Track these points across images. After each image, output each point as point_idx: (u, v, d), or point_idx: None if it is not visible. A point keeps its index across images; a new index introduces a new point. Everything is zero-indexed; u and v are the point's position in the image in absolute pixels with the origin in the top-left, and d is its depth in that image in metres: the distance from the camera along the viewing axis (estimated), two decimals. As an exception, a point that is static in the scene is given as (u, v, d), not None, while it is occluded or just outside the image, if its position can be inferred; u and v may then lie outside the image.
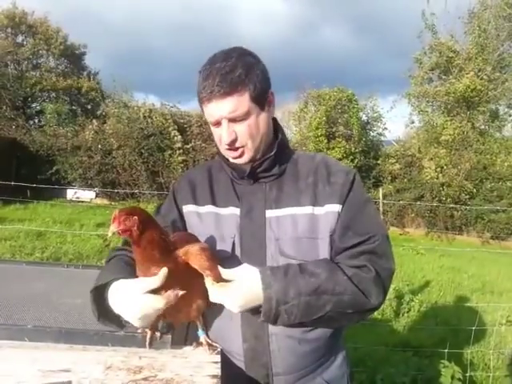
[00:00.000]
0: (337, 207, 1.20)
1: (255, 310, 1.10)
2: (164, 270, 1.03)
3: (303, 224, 1.20)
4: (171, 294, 1.04)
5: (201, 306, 1.13)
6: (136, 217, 1.01)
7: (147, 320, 1.05)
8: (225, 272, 1.09)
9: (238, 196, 1.27)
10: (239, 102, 1.17)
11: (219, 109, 1.17)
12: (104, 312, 1.10)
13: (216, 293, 1.08)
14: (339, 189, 1.22)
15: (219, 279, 1.08)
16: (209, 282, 1.08)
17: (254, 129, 1.21)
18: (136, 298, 1.02)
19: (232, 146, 1.20)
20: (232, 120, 1.18)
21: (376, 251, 1.17)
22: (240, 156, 1.23)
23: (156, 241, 1.04)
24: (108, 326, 1.14)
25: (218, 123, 1.20)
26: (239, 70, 1.17)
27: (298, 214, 1.21)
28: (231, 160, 1.26)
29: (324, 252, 1.19)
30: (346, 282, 1.11)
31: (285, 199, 1.23)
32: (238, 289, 1.07)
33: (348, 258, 1.17)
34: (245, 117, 1.19)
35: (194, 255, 1.07)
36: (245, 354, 1.21)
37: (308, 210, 1.21)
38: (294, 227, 1.20)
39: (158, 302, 1.03)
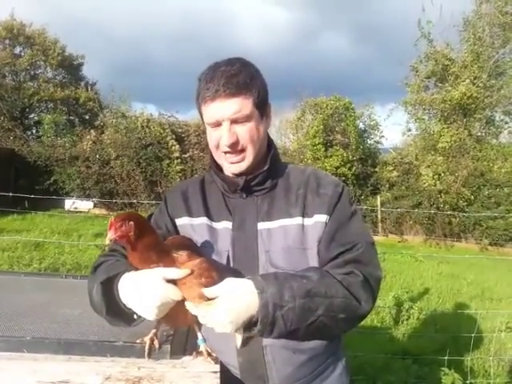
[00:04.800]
0: (324, 217, 1.21)
1: (247, 327, 1.06)
2: (187, 270, 1.06)
3: (293, 235, 1.20)
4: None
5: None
6: (132, 222, 1.03)
7: (163, 310, 1.05)
8: (207, 290, 1.05)
9: (230, 210, 1.27)
10: (243, 104, 1.18)
11: (223, 109, 1.17)
12: (112, 306, 1.10)
13: (202, 313, 1.04)
14: (328, 200, 1.23)
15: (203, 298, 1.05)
16: (190, 305, 1.05)
17: (254, 133, 1.22)
18: (157, 284, 1.03)
19: (233, 148, 1.20)
20: (234, 122, 1.18)
21: (361, 259, 1.17)
22: (241, 160, 1.22)
23: (152, 243, 1.07)
24: (114, 322, 1.14)
25: (218, 124, 1.19)
26: (244, 75, 1.19)
27: (288, 225, 1.21)
28: (227, 167, 1.25)
29: (313, 262, 1.20)
30: (337, 285, 1.11)
31: (276, 212, 1.23)
32: (225, 302, 1.03)
33: (334, 267, 1.17)
34: (247, 119, 1.20)
35: (182, 283, 1.07)
36: (240, 366, 1.21)
37: (298, 220, 1.21)
38: (285, 238, 1.20)
39: (178, 293, 1.05)
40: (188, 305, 1.05)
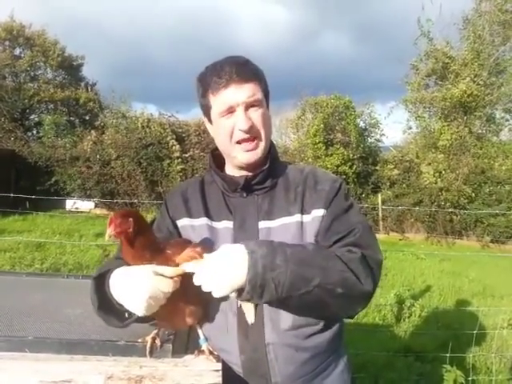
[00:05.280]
0: (321, 212, 1.21)
1: (241, 291, 1.04)
2: (181, 269, 1.06)
3: (293, 233, 1.20)
4: (178, 281, 1.06)
5: (194, 310, 1.13)
6: (131, 219, 1.04)
7: (154, 304, 1.03)
8: (204, 256, 1.06)
9: (230, 209, 1.27)
10: (256, 89, 1.21)
11: (238, 93, 1.18)
12: (104, 302, 1.10)
13: (195, 270, 1.04)
14: (325, 195, 1.23)
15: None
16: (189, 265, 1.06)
17: (266, 119, 1.24)
18: (146, 278, 1.02)
19: (249, 133, 1.20)
20: (247, 107, 1.20)
21: (359, 243, 1.16)
22: (255, 148, 1.23)
23: (148, 242, 1.08)
24: (107, 320, 1.13)
25: (231, 111, 1.20)
26: (252, 64, 1.24)
27: (288, 223, 1.21)
28: (242, 157, 1.24)
29: None
30: (335, 259, 1.10)
31: (276, 211, 1.24)
32: (215, 260, 1.03)
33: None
34: (259, 105, 1.22)
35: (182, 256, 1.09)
36: (243, 365, 1.21)
37: (297, 218, 1.21)
38: (285, 237, 1.19)
39: (167, 285, 1.03)
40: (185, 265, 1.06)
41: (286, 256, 1.04)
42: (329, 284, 1.06)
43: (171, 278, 1.05)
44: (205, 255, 1.06)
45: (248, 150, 1.23)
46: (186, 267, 1.05)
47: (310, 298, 1.06)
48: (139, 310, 1.03)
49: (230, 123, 1.21)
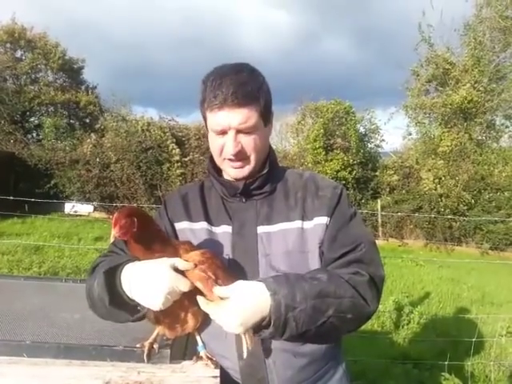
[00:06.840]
0: (325, 219, 1.22)
1: (257, 329, 1.06)
2: (192, 263, 1.06)
3: (293, 238, 1.21)
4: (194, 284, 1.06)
5: (196, 314, 1.13)
6: (135, 218, 1.04)
7: (170, 298, 1.04)
8: (219, 290, 1.05)
9: (230, 214, 1.28)
10: (250, 115, 1.18)
11: (230, 118, 1.17)
12: (115, 297, 1.09)
13: (212, 313, 1.05)
14: (327, 202, 1.24)
15: (212, 296, 1.05)
16: (202, 301, 1.05)
17: (258, 143, 1.23)
18: (166, 272, 1.03)
19: (237, 157, 1.20)
20: (239, 131, 1.19)
21: (363, 259, 1.18)
22: (244, 166, 1.23)
23: (155, 235, 1.09)
24: (115, 313, 1.11)
25: (223, 132, 1.20)
26: (252, 85, 1.19)
27: (288, 228, 1.22)
28: (229, 172, 1.26)
29: (314, 265, 1.20)
30: (345, 285, 1.11)
31: (275, 216, 1.24)
32: (236, 305, 1.03)
33: (338, 267, 1.18)
34: (252, 130, 1.20)
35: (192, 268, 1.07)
36: (241, 370, 1.21)
37: (297, 224, 1.22)
38: (285, 242, 1.20)
39: (185, 284, 1.05)
40: (200, 300, 1.05)
41: (305, 292, 1.06)
42: (341, 312, 1.09)
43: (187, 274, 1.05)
44: (221, 292, 1.05)
45: (235, 168, 1.24)
46: (205, 307, 1.05)
47: (325, 327, 1.09)
48: (156, 305, 1.04)
49: (221, 141, 1.21)
